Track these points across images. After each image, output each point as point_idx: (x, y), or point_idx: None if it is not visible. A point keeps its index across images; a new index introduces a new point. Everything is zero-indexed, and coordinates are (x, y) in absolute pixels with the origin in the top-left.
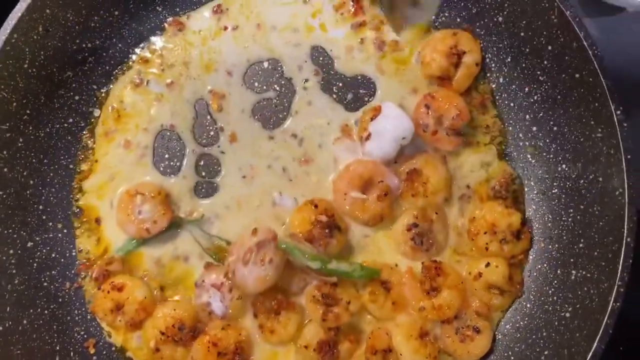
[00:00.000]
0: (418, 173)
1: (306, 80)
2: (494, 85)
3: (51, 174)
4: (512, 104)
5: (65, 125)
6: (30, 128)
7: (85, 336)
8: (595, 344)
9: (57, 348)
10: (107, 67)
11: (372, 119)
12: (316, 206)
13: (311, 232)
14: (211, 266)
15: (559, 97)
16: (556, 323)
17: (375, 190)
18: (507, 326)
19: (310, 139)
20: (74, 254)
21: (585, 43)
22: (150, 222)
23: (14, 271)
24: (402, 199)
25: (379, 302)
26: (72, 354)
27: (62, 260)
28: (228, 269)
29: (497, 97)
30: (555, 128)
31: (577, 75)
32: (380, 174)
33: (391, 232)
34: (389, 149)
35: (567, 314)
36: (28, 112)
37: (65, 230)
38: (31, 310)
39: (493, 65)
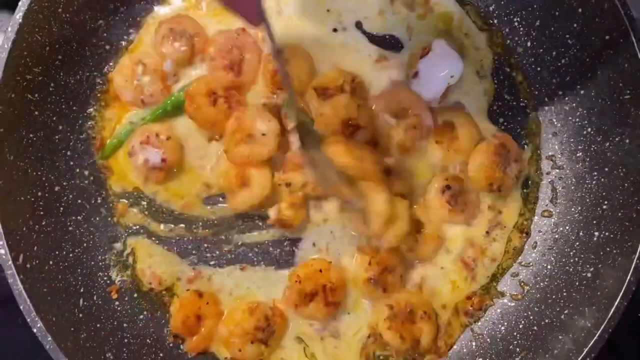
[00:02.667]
0: (451, 127)
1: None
2: (521, 50)
3: (80, 121)
4: (538, 68)
5: (96, 73)
6: (62, 74)
7: (108, 282)
8: (617, 301)
9: (81, 290)
10: (138, 19)
11: (421, 57)
12: None
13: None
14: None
15: (587, 59)
16: (577, 283)
17: (407, 119)
18: (527, 287)
19: None
20: (99, 201)
21: (617, 3)
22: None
23: (42, 213)
24: (427, 141)
25: None
26: (95, 297)
27: (88, 206)
28: None
29: (524, 62)
30: (582, 91)
31: (607, 37)
32: (419, 108)
33: (424, 202)
34: (437, 87)
35: (589, 274)
36: (60, 57)
37: (91, 178)
38: (57, 252)
39: (521, 29)
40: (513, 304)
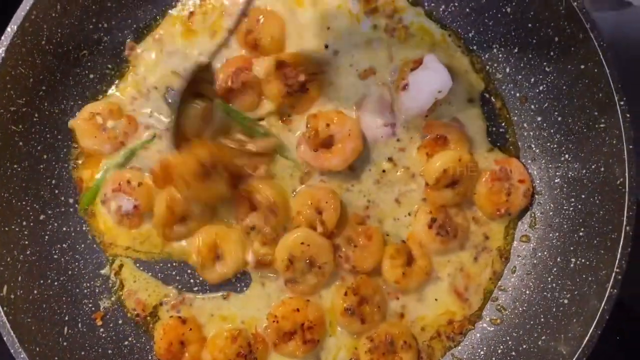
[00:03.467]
0: (444, 141)
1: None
2: (500, 76)
3: (64, 150)
4: (517, 94)
5: (80, 102)
6: (46, 104)
7: (93, 309)
8: (591, 329)
9: (66, 319)
10: (122, 48)
11: (412, 70)
12: None
13: None
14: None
15: (564, 87)
16: (554, 309)
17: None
18: (506, 312)
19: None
20: (84, 228)
21: (591, 34)
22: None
23: (26, 242)
24: (418, 152)
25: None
26: (80, 324)
27: (73, 234)
28: None
29: (503, 87)
30: (559, 118)
31: (582, 66)
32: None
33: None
34: (424, 101)
35: (566, 301)
36: (44, 88)
37: (76, 206)
38: (41, 281)
39: (500, 55)
40: (492, 328)
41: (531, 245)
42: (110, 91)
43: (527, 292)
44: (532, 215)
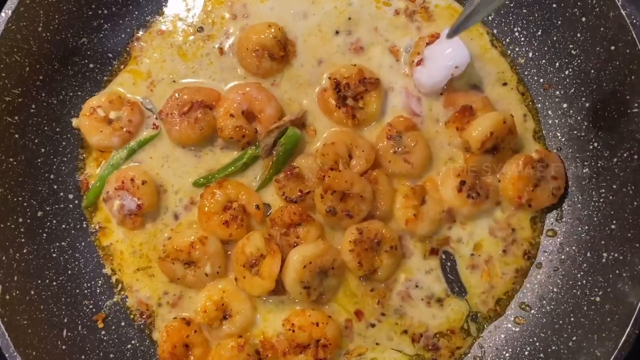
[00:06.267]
0: (471, 112)
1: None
2: (522, 60)
3: (63, 143)
4: (541, 80)
5: (79, 93)
6: (43, 94)
7: (94, 310)
8: (628, 329)
9: (65, 321)
10: (123, 35)
11: (427, 44)
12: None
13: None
14: (109, 179)
15: (592, 71)
16: (585, 308)
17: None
18: (533, 311)
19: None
20: (84, 225)
21: (623, 12)
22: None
23: (23, 240)
24: (446, 127)
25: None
26: (80, 327)
27: (73, 232)
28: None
29: (525, 73)
30: (587, 104)
31: (612, 47)
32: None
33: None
34: (440, 76)
35: (598, 298)
36: (41, 77)
37: (76, 202)
38: (39, 281)
39: (522, 39)
40: (517, 328)
41: (558, 240)
42: (112, 82)
43: (555, 289)
44: (559, 208)
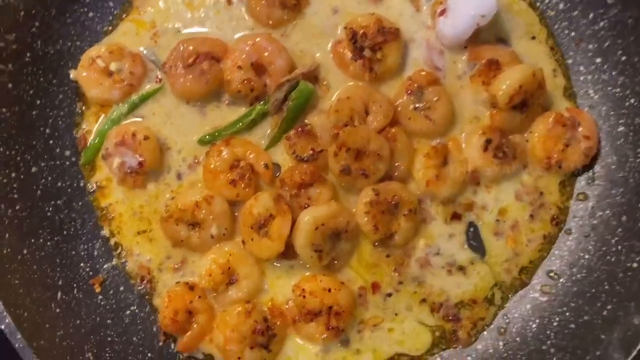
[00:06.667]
0: (497, 66)
1: None
2: (552, 13)
3: (60, 96)
4: (573, 34)
5: (78, 43)
6: (39, 42)
7: (91, 273)
8: None
9: (60, 283)
10: None
11: None
12: None
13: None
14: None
15: (629, 20)
16: (621, 275)
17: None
18: (562, 280)
19: None
20: (82, 184)
21: None
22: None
23: (16, 196)
24: (471, 81)
25: None
26: (75, 290)
27: (69, 190)
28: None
29: (555, 26)
30: (624, 57)
31: None
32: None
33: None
34: (464, 27)
35: (635, 264)
36: (37, 24)
37: (73, 159)
38: (32, 240)
39: None
40: (545, 298)
41: (589, 203)
42: (113, 32)
43: (587, 256)
44: (591, 170)
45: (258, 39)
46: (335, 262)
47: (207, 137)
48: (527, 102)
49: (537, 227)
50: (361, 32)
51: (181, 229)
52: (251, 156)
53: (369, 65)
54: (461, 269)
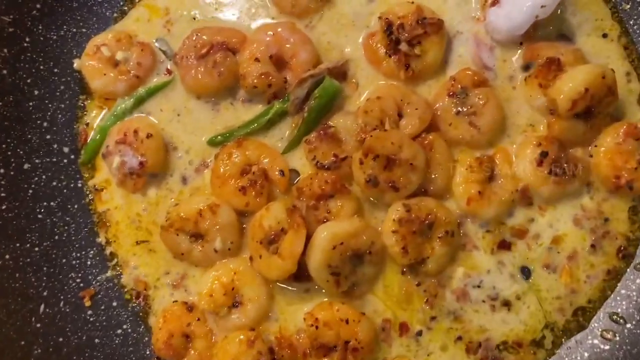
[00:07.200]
0: (557, 65)
1: None
2: (628, 6)
3: (62, 87)
4: None
5: (84, 30)
6: (40, 27)
7: (81, 285)
8: None
9: (45, 294)
10: None
11: None
12: None
13: None
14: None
15: None
16: None
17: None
18: (628, 325)
19: None
20: (79, 185)
21: None
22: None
23: (3, 194)
24: (526, 83)
25: None
26: (62, 303)
27: (65, 191)
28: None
29: (631, 22)
30: None
31: None
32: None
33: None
34: (520, 19)
35: None
36: (38, 7)
37: (72, 156)
38: (18, 244)
39: None
40: (607, 346)
41: None
42: (124, 18)
43: None
44: None
45: (279, 29)
46: (356, 287)
47: (218, 137)
48: (593, 110)
49: (599, 261)
50: (398, 23)
51: (182, 241)
52: (265, 161)
53: (405, 61)
54: (506, 304)
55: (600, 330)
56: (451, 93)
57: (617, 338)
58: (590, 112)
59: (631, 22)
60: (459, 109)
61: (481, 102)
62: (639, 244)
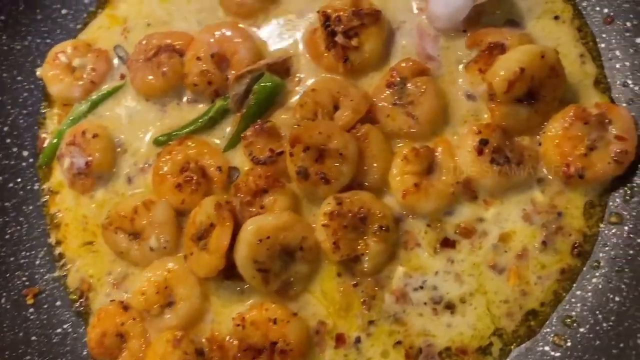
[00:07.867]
0: (502, 51)
1: None
2: None
3: (24, 94)
4: (605, 10)
5: (48, 41)
6: (4, 37)
7: (27, 283)
8: None
9: None
10: None
11: None
12: None
13: None
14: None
15: None
16: None
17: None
18: (582, 329)
19: None
20: (35, 187)
21: None
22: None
23: None
24: (466, 71)
25: None
26: (3, 300)
27: (21, 192)
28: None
29: (584, 4)
30: None
31: None
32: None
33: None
34: (458, 3)
35: None
36: (3, 18)
37: (30, 160)
38: None
39: None
40: (557, 353)
41: (625, 228)
42: (86, 29)
43: (618, 298)
44: (628, 184)
45: (222, 29)
46: (292, 288)
47: (162, 137)
48: (537, 93)
49: (551, 259)
50: (334, 15)
51: (122, 239)
52: (205, 157)
53: (343, 54)
54: (450, 307)
55: (551, 336)
56: (389, 84)
57: (569, 344)
58: (534, 96)
59: (584, 4)
60: (397, 99)
61: (419, 92)
62: (595, 239)
